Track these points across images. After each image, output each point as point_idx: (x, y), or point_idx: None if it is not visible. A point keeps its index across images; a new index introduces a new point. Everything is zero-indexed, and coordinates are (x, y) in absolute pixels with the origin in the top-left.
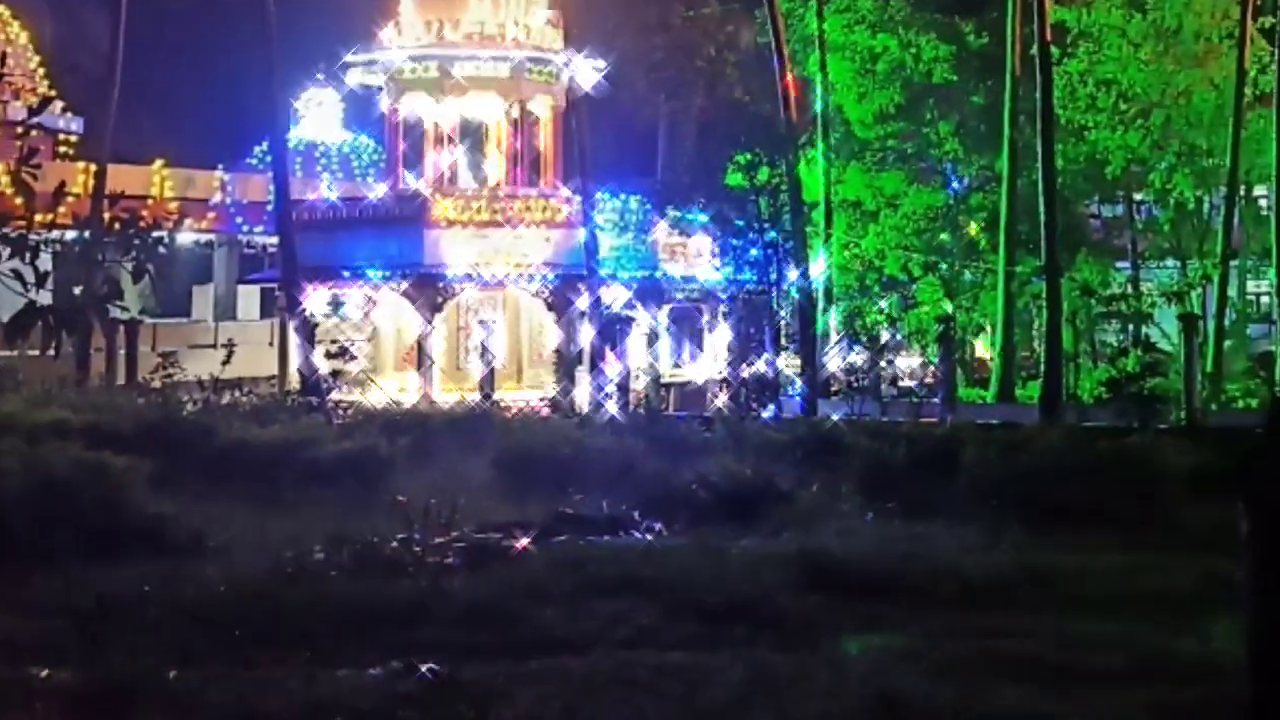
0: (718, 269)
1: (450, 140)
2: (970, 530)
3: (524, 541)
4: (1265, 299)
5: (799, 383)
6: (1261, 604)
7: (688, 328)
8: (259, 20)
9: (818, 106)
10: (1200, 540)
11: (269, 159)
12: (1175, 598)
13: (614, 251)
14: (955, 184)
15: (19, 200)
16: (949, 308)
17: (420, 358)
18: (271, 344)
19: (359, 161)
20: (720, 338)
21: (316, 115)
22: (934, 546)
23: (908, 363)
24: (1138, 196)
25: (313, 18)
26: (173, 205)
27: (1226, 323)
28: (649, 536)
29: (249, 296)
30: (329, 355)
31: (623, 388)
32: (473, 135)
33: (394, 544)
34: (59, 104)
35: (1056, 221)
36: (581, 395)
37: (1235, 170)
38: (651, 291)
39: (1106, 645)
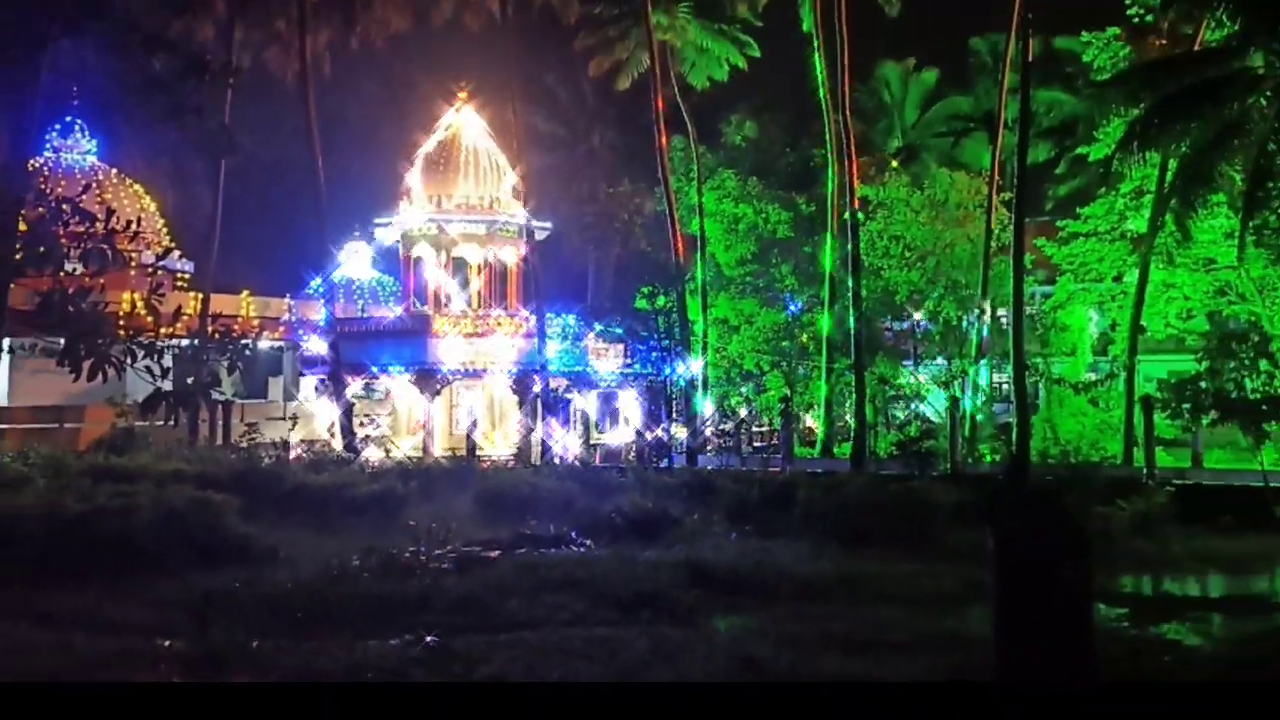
0: (629, 366)
1: (446, 276)
2: (802, 546)
3: (496, 553)
4: (1005, 386)
5: (685, 443)
6: (1003, 598)
7: (609, 405)
8: (314, 194)
9: (698, 254)
10: (961, 555)
11: (321, 290)
12: (943, 595)
13: (558, 354)
14: (793, 307)
15: (149, 319)
16: (788, 392)
17: (424, 426)
18: (323, 417)
19: (383, 292)
20: (631, 412)
21: (354, 260)
22: (777, 557)
23: (759, 430)
24: (917, 316)
25: (352, 192)
26: (255, 322)
27: (978, 402)
28: (582, 550)
29: (307, 384)
30: (361, 424)
31: (564, 447)
32: (461, 272)
33: (407, 555)
34: (176, 252)
35: (862, 333)
36: (536, 453)
37: (984, 298)
38: (584, 381)
39: (897, 627)
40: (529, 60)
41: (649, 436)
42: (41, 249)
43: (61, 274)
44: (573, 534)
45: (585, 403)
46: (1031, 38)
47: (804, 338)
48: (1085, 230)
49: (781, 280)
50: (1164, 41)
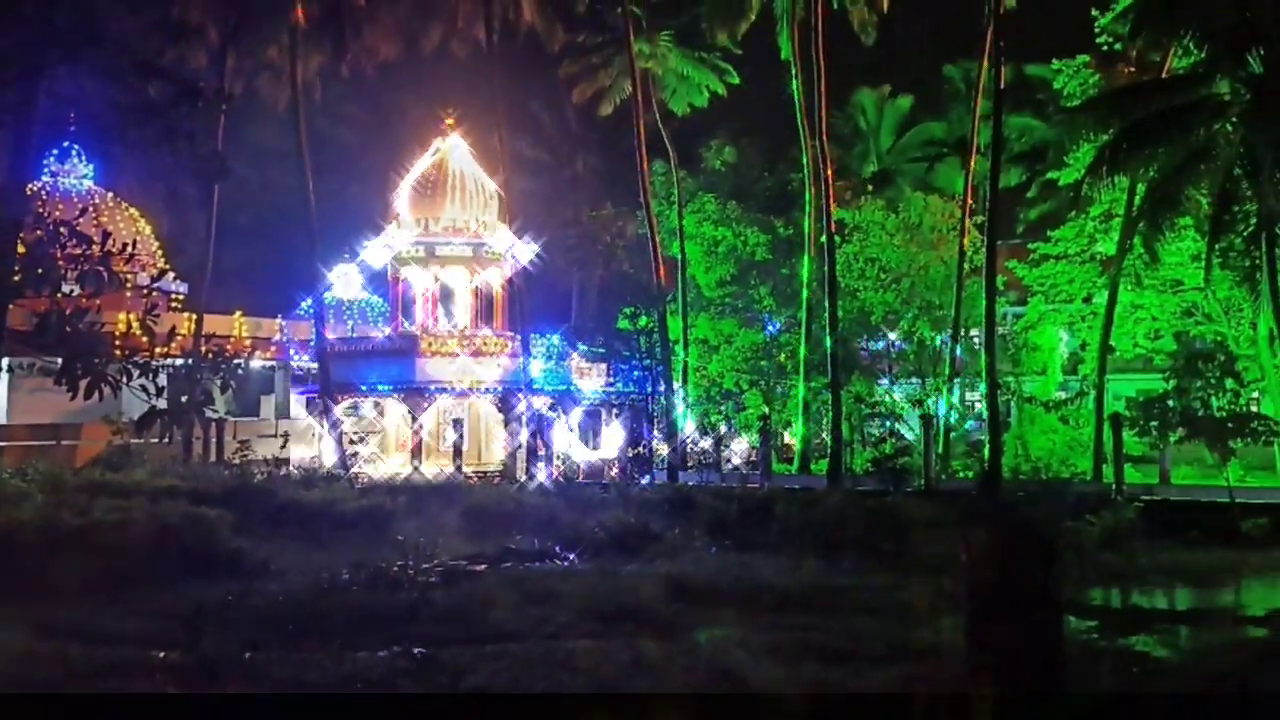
0: (611, 385)
1: (433, 297)
2: (780, 560)
3: (482, 567)
4: (978, 404)
5: (666, 460)
6: (974, 608)
7: (592, 423)
8: (305, 217)
9: (679, 276)
10: (934, 567)
11: (312, 311)
12: (917, 606)
13: (542, 373)
14: (771, 328)
15: (144, 339)
16: (766, 410)
17: (412, 443)
18: (314, 435)
19: (372, 313)
20: (614, 430)
21: (344, 281)
22: (755, 571)
23: (739, 447)
24: (892, 336)
25: (342, 215)
26: (247, 342)
27: (952, 420)
28: (565, 564)
29: (298, 403)
30: (351, 442)
31: (548, 464)
32: (448, 294)
33: (395, 568)
34: (171, 274)
35: (838, 353)
36: (521, 469)
37: (958, 318)
38: (568, 399)
39: (874, 636)
40: (514, 87)
41: (631, 453)
42: (39, 271)
43: (59, 295)
44: (556, 549)
45: (569, 420)
46: (1004, 65)
47: (782, 357)
48: (1056, 252)
49: (760, 301)
50: (1133, 69)
